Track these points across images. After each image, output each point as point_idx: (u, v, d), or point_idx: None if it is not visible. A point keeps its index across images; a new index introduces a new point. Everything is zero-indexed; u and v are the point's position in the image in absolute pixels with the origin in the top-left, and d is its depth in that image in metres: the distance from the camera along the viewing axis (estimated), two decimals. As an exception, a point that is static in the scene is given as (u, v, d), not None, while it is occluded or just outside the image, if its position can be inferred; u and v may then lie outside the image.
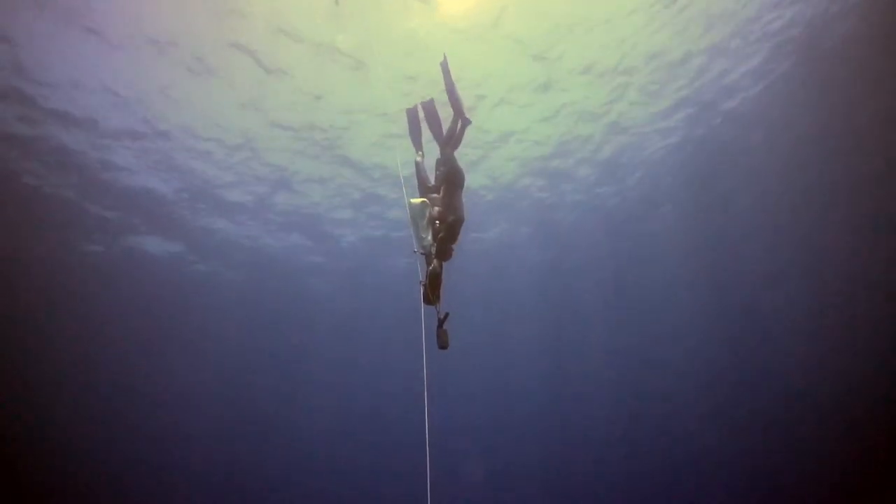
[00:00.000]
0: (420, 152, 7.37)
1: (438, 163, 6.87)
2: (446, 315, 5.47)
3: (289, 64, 12.59)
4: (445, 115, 7.18)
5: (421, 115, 7.46)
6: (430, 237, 6.14)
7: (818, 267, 18.24)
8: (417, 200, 6.48)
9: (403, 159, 8.22)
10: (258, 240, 18.64)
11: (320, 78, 12.95)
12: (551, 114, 14.58)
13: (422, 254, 6.06)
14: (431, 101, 7.44)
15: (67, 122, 13.39)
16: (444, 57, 7.10)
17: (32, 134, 13.53)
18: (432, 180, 6.90)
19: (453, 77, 7.05)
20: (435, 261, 5.89)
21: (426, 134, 7.41)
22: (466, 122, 6.93)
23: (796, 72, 13.63)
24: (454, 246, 6.10)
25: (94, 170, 14.97)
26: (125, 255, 17.83)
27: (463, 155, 7.05)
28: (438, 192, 6.56)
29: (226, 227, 17.86)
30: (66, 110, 13.05)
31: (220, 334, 22.43)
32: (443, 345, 5.40)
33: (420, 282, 5.66)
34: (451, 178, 6.51)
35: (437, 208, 6.39)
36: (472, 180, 11.75)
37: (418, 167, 7.12)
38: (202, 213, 17.04)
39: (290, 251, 19.33)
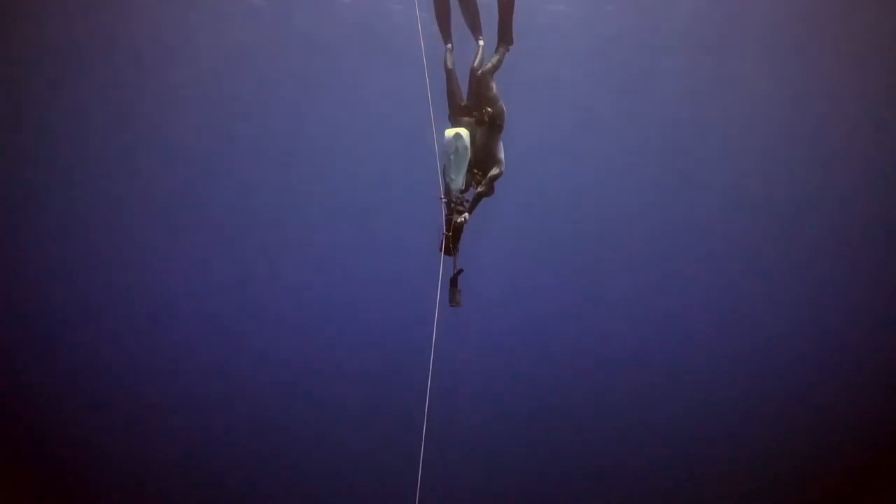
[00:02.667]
0: (449, 44, 6.10)
1: (474, 74, 5.78)
2: (460, 271, 5.16)
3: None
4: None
5: None
6: (461, 181, 5.39)
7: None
8: (452, 131, 5.46)
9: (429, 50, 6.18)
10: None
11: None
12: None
13: (447, 201, 5.36)
14: None
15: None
16: None
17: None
18: (465, 92, 5.79)
19: None
20: (466, 214, 5.29)
21: (456, 19, 6.14)
22: (509, 43, 5.88)
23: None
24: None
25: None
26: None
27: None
28: (471, 117, 5.60)
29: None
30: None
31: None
32: (456, 303, 5.13)
33: (442, 232, 5.15)
34: (494, 120, 5.59)
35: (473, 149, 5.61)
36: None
37: (448, 70, 5.90)
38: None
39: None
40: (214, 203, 21.61)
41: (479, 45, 5.85)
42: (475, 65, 5.70)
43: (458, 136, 5.34)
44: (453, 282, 5.10)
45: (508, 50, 5.84)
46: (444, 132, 5.47)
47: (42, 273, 20.04)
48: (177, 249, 21.27)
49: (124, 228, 21.65)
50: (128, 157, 22.26)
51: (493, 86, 5.68)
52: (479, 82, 5.72)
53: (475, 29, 5.97)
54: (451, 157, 5.38)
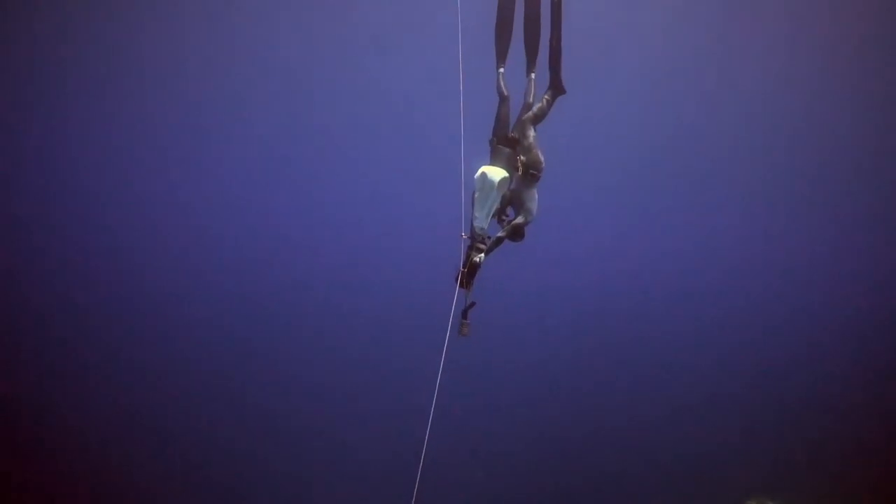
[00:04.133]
0: (502, 68, 5.75)
1: (527, 108, 5.53)
2: (472, 304, 5.18)
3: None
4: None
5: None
6: (484, 220, 5.25)
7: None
8: (496, 171, 5.30)
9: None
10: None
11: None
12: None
13: (469, 238, 5.27)
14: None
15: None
16: None
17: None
18: (511, 120, 5.55)
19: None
20: (482, 255, 5.18)
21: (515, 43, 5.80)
22: (561, 92, 5.58)
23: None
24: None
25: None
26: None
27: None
28: (514, 149, 5.46)
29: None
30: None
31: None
32: (465, 333, 5.15)
33: (460, 269, 5.17)
34: (528, 169, 5.45)
35: (508, 193, 5.44)
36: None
37: (502, 96, 5.60)
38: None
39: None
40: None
41: (530, 79, 5.71)
42: (530, 100, 5.61)
43: (483, 174, 5.25)
44: (464, 313, 5.15)
45: (556, 98, 5.65)
46: (478, 167, 5.35)
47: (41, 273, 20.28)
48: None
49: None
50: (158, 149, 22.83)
51: (531, 134, 5.53)
52: (522, 123, 5.56)
53: (531, 59, 5.77)
54: (477, 194, 5.28)
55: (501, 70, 5.72)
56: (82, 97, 25.42)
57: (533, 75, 5.72)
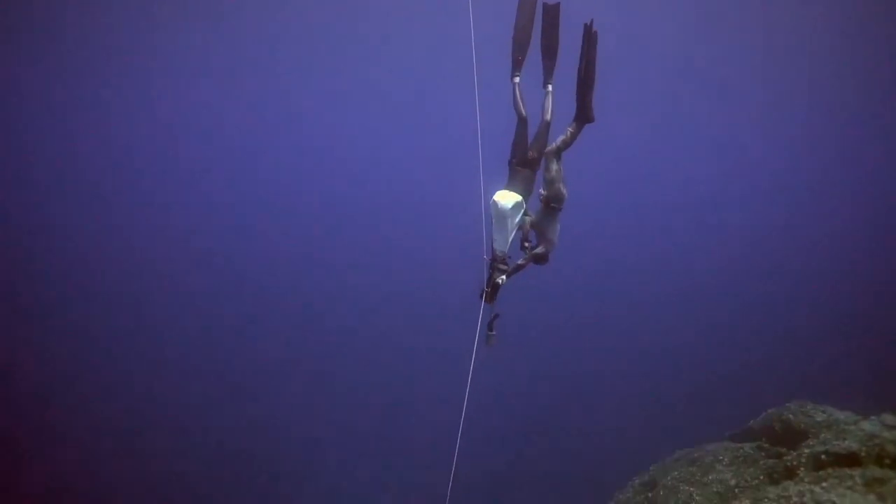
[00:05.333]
0: (517, 77, 5.58)
1: (545, 126, 5.37)
2: (496, 316, 5.38)
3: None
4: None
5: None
6: (503, 244, 5.32)
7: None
8: (509, 196, 5.29)
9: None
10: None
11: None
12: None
13: (490, 260, 5.39)
14: (558, 5, 5.50)
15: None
16: (592, 24, 5.24)
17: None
18: (529, 136, 5.43)
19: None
20: (504, 277, 5.30)
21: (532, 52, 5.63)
22: (589, 121, 5.38)
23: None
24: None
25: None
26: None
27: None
28: (532, 169, 5.42)
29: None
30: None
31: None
32: (491, 343, 5.37)
33: (483, 289, 5.37)
34: (549, 202, 5.45)
35: (528, 218, 5.44)
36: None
37: (521, 117, 5.47)
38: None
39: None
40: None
41: (547, 91, 5.55)
42: (547, 117, 5.47)
43: (494, 203, 5.25)
44: (490, 326, 5.36)
45: (582, 128, 5.43)
46: (499, 198, 5.29)
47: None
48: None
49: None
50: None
51: (554, 167, 5.42)
52: (546, 156, 5.45)
53: (548, 71, 5.59)
54: (494, 220, 5.30)
55: (517, 80, 5.57)
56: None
57: (550, 87, 5.54)
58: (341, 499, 16.76)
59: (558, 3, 5.51)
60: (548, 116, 5.45)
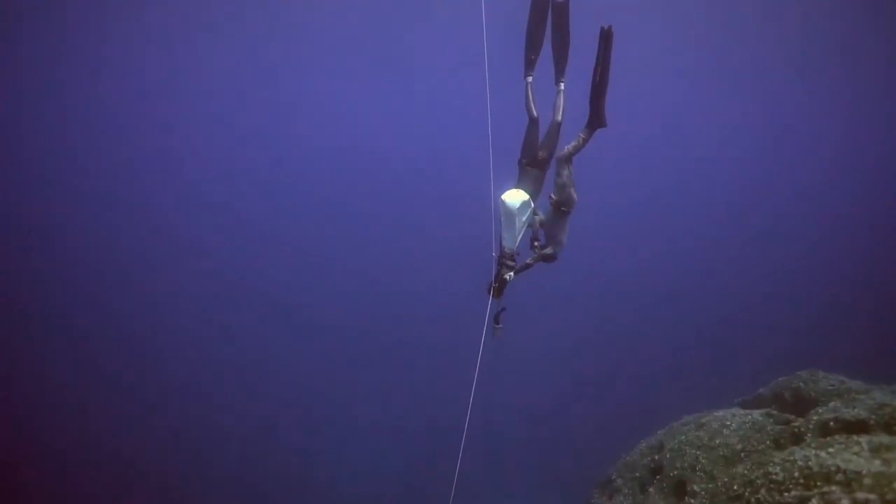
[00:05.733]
0: (530, 77, 5.65)
1: (555, 127, 5.42)
2: (503, 309, 5.56)
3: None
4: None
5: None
6: (511, 242, 5.45)
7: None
8: (517, 196, 5.37)
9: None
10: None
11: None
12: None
13: (498, 258, 5.53)
14: (567, 2, 5.48)
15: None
16: (610, 28, 5.08)
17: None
18: (540, 137, 5.55)
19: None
20: (511, 273, 5.46)
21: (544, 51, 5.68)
22: (602, 126, 5.33)
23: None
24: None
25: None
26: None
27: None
28: (542, 169, 5.55)
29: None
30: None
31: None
32: (497, 335, 5.61)
33: (491, 284, 5.57)
34: (559, 206, 5.56)
35: (537, 217, 5.60)
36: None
37: (532, 118, 5.53)
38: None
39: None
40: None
41: (559, 90, 5.64)
42: (558, 118, 5.56)
43: (503, 202, 5.37)
44: (496, 319, 5.59)
45: (594, 133, 5.43)
46: (507, 197, 5.40)
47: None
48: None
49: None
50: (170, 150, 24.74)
51: (566, 173, 5.51)
52: (557, 161, 5.54)
53: (560, 69, 5.65)
54: (503, 218, 5.44)
55: (529, 80, 5.64)
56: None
57: (562, 85, 5.63)
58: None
59: (567, 1, 5.50)
60: (559, 117, 5.54)
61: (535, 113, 5.56)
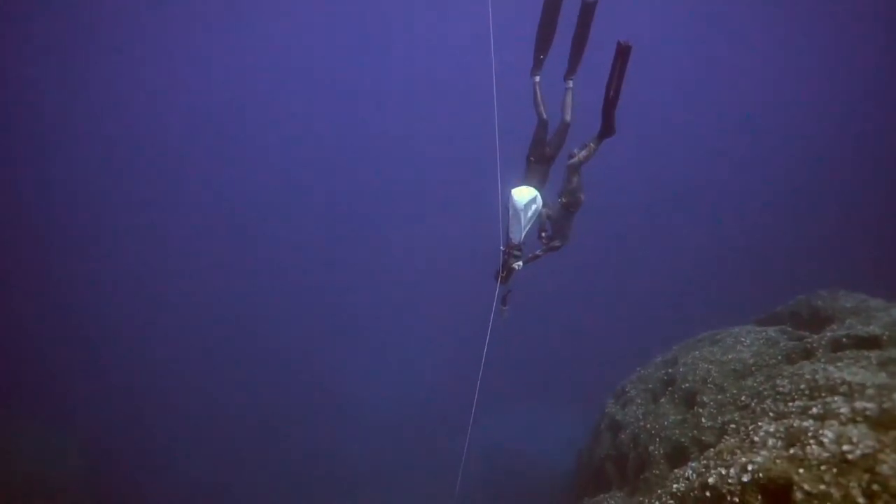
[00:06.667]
0: (537, 76, 5.82)
1: (565, 127, 5.60)
2: (509, 292, 5.87)
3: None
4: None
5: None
6: (517, 236, 5.69)
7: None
8: (525, 192, 5.61)
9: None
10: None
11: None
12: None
13: (506, 251, 5.77)
14: (595, 3, 5.46)
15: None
16: (628, 44, 5.02)
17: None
18: (548, 135, 5.74)
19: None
20: (520, 262, 5.74)
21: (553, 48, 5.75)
22: (612, 136, 5.48)
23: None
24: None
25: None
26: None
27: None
28: (547, 165, 5.75)
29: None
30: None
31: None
32: (504, 317, 5.93)
33: (499, 273, 5.82)
34: (567, 208, 5.91)
35: (545, 210, 5.80)
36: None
37: (541, 119, 5.72)
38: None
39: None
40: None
41: (568, 87, 5.76)
42: (567, 118, 5.71)
43: (511, 199, 5.64)
44: (503, 301, 5.90)
45: (603, 141, 5.57)
46: (517, 193, 5.65)
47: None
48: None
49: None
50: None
51: (576, 179, 5.85)
52: (567, 169, 5.83)
53: (573, 67, 5.72)
54: (510, 213, 5.68)
55: (537, 79, 5.78)
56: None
57: (570, 83, 5.74)
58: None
59: (596, 1, 5.47)
60: (567, 118, 5.68)
61: (544, 115, 5.74)
